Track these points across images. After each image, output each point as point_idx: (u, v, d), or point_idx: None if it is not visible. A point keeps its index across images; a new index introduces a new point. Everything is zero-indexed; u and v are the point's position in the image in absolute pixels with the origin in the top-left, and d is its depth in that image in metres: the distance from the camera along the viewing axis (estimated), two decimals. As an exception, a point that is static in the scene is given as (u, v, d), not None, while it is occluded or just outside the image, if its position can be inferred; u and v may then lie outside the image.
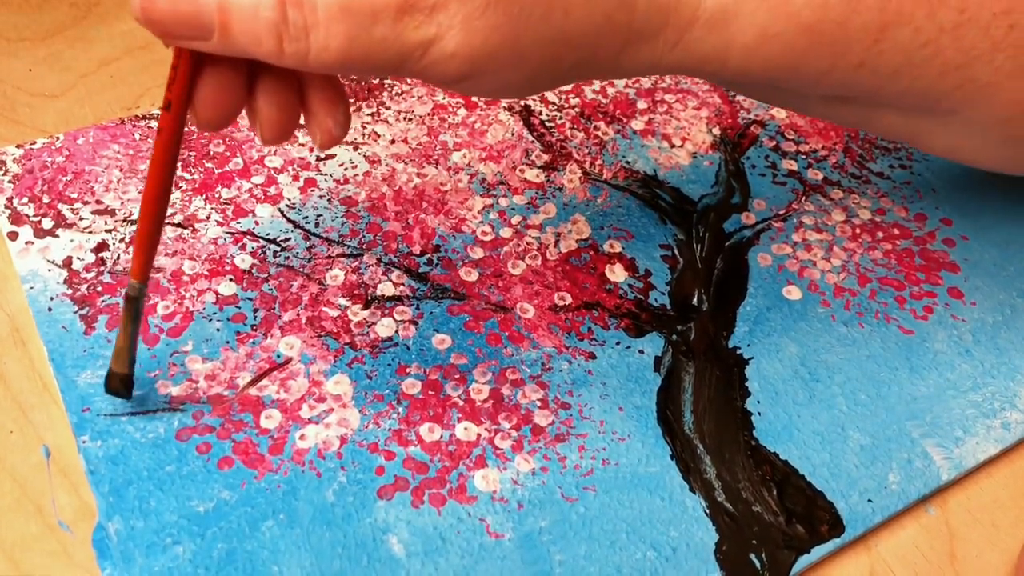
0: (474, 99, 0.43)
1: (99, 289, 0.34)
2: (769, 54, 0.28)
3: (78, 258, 0.35)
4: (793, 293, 0.37)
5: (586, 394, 0.33)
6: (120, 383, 0.30)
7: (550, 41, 0.25)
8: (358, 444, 0.30)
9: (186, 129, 0.40)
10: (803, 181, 0.42)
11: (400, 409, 0.31)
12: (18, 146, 0.38)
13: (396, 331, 0.34)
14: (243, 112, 0.27)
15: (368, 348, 0.33)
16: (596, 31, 0.26)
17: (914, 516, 0.31)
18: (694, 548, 0.29)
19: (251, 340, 0.33)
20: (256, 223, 0.37)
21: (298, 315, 0.34)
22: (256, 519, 0.28)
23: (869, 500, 0.31)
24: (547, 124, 0.43)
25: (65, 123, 0.40)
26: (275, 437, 0.30)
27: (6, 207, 0.36)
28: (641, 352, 0.34)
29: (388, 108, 0.43)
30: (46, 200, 0.36)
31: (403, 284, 0.35)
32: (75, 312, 0.33)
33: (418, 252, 0.36)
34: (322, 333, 0.33)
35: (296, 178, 0.39)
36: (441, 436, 0.31)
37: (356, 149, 0.40)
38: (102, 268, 0.34)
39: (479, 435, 0.31)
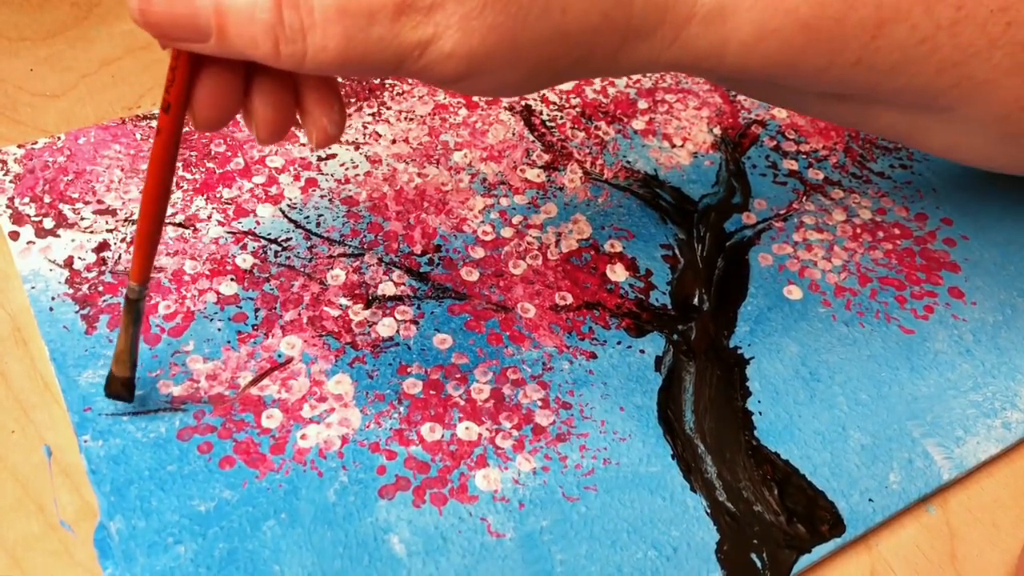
0: (475, 99, 0.43)
1: (100, 289, 0.34)
2: (766, 51, 0.28)
3: (79, 258, 0.35)
4: (794, 293, 0.37)
5: (587, 394, 0.33)
6: (122, 386, 0.30)
7: (548, 39, 0.25)
8: (359, 444, 0.30)
9: (186, 129, 0.40)
10: (804, 181, 0.42)
11: (401, 409, 0.31)
12: (19, 146, 0.38)
13: (397, 331, 0.34)
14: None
15: (369, 348, 0.33)
16: (594, 29, 0.26)
17: (915, 516, 0.31)
18: (695, 548, 0.29)
19: (252, 340, 0.33)
20: (257, 223, 0.37)
21: (299, 315, 0.34)
22: (257, 518, 0.28)
23: (870, 500, 0.31)
24: (548, 124, 0.43)
25: (66, 123, 0.40)
26: (276, 437, 0.30)
27: (8, 207, 0.36)
28: (642, 352, 0.34)
29: (389, 108, 0.43)
30: (47, 200, 0.36)
31: (404, 284, 0.35)
32: (76, 312, 0.33)
33: (419, 252, 0.36)
34: (323, 333, 0.33)
35: (297, 178, 0.39)
36: (442, 436, 0.31)
37: (357, 149, 0.40)
38: (103, 268, 0.34)
39: (480, 435, 0.31)
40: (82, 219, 0.36)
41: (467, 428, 0.31)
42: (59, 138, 0.39)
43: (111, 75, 0.43)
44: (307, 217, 0.37)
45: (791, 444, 0.32)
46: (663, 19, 0.27)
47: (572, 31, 0.26)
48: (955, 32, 0.29)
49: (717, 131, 0.44)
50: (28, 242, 0.35)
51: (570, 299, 0.36)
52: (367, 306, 0.34)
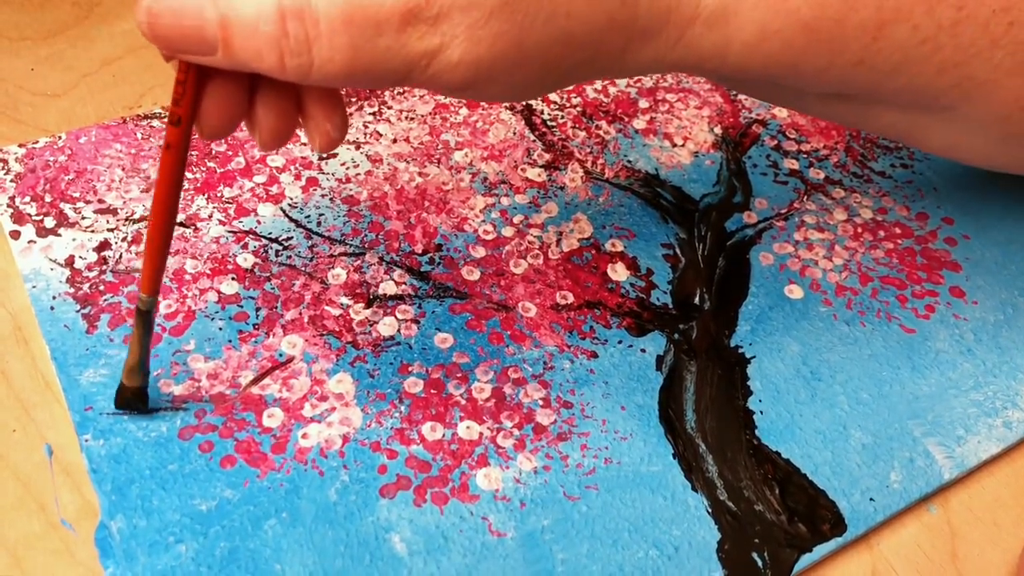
0: (476, 98, 0.43)
1: (101, 288, 0.34)
2: (769, 51, 0.28)
3: (80, 257, 0.35)
4: (795, 292, 0.37)
5: (588, 393, 0.33)
6: (136, 397, 0.30)
7: (553, 44, 0.25)
8: (360, 443, 0.30)
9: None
10: (805, 180, 0.42)
11: (402, 408, 0.31)
12: (20, 145, 0.39)
13: (398, 330, 0.34)
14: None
15: (370, 347, 0.33)
16: (598, 31, 0.26)
17: (916, 515, 0.31)
18: (696, 547, 0.29)
19: (253, 339, 0.33)
20: (258, 222, 0.37)
21: (300, 314, 0.34)
22: (259, 518, 0.28)
23: (871, 499, 0.31)
24: (549, 123, 0.43)
25: (67, 122, 0.40)
26: (277, 436, 0.30)
27: (8, 206, 0.36)
28: (643, 351, 0.34)
29: (390, 107, 0.43)
30: (48, 199, 0.36)
31: (405, 283, 0.35)
32: (77, 311, 0.33)
33: (420, 251, 0.36)
34: (324, 332, 0.33)
35: (298, 177, 0.39)
36: (443, 435, 0.31)
37: (358, 148, 0.40)
38: (104, 267, 0.34)
39: (481, 434, 0.31)
40: (83, 218, 0.36)
41: (468, 427, 0.31)
42: (60, 137, 0.39)
43: (112, 74, 0.43)
44: (308, 216, 0.37)
45: (792, 443, 0.32)
46: (667, 20, 0.27)
47: (577, 35, 0.26)
48: (956, 32, 0.29)
49: (718, 130, 0.44)
50: (29, 241, 0.35)
51: (571, 298, 0.36)
52: (368, 305, 0.34)
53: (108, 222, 0.36)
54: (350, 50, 0.23)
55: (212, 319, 0.33)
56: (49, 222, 0.36)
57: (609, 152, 0.42)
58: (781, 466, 0.31)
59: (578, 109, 0.44)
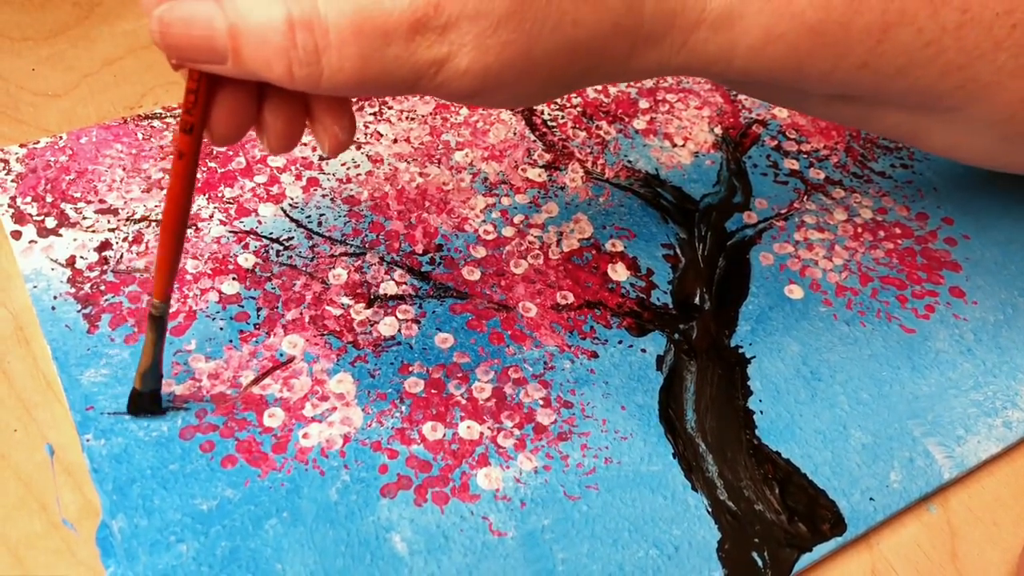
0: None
1: (102, 288, 0.34)
2: (774, 54, 0.28)
3: (81, 257, 0.35)
4: (795, 292, 0.37)
5: (588, 393, 0.33)
6: (150, 400, 0.30)
7: (560, 52, 0.26)
8: (361, 442, 0.30)
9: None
10: (805, 180, 0.42)
11: (403, 408, 0.32)
12: (21, 145, 0.39)
13: (399, 330, 0.34)
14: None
15: (371, 347, 0.33)
16: (604, 38, 0.26)
17: (916, 515, 0.31)
18: (696, 546, 0.29)
19: (254, 339, 0.33)
20: (259, 222, 0.37)
21: (301, 314, 0.34)
22: (259, 517, 0.28)
23: (871, 499, 0.31)
24: (549, 123, 0.43)
25: (68, 122, 0.41)
26: (278, 436, 0.30)
27: (10, 206, 0.36)
28: (643, 351, 0.34)
29: (391, 107, 0.43)
30: (49, 199, 0.37)
31: (406, 283, 0.35)
32: (78, 311, 0.33)
33: (420, 251, 0.37)
34: (325, 332, 0.33)
35: (299, 177, 0.39)
36: (444, 435, 0.31)
37: (359, 148, 0.40)
38: (105, 267, 0.34)
39: (482, 434, 0.31)
40: (84, 218, 0.36)
41: (469, 427, 0.31)
42: (61, 137, 0.39)
43: (113, 75, 0.43)
44: (309, 216, 0.37)
45: (792, 443, 0.32)
46: (672, 25, 0.27)
47: (583, 42, 0.26)
48: (960, 35, 0.29)
49: (718, 131, 0.44)
50: (30, 241, 0.35)
51: (571, 298, 0.36)
52: (369, 305, 0.34)
53: (109, 222, 0.36)
54: (359, 59, 0.24)
55: (213, 319, 0.33)
56: (50, 222, 0.36)
57: (609, 152, 0.42)
58: (781, 466, 0.31)
59: (578, 109, 0.44)
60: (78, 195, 0.37)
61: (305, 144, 0.40)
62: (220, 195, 0.38)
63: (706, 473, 0.31)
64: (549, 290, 0.36)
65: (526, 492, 0.30)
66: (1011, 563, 0.30)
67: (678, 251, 0.38)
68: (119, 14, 0.46)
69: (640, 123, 0.43)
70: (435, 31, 0.24)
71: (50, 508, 0.29)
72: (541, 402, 0.32)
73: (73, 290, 0.33)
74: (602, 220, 0.39)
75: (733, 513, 0.30)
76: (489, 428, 0.31)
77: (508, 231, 0.38)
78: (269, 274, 0.35)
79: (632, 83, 0.46)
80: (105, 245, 0.35)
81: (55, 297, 0.33)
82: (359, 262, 0.36)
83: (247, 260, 0.35)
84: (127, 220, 0.36)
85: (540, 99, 0.28)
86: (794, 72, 0.29)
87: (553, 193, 0.40)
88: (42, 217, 0.36)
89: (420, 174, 0.40)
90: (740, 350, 0.35)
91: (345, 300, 0.34)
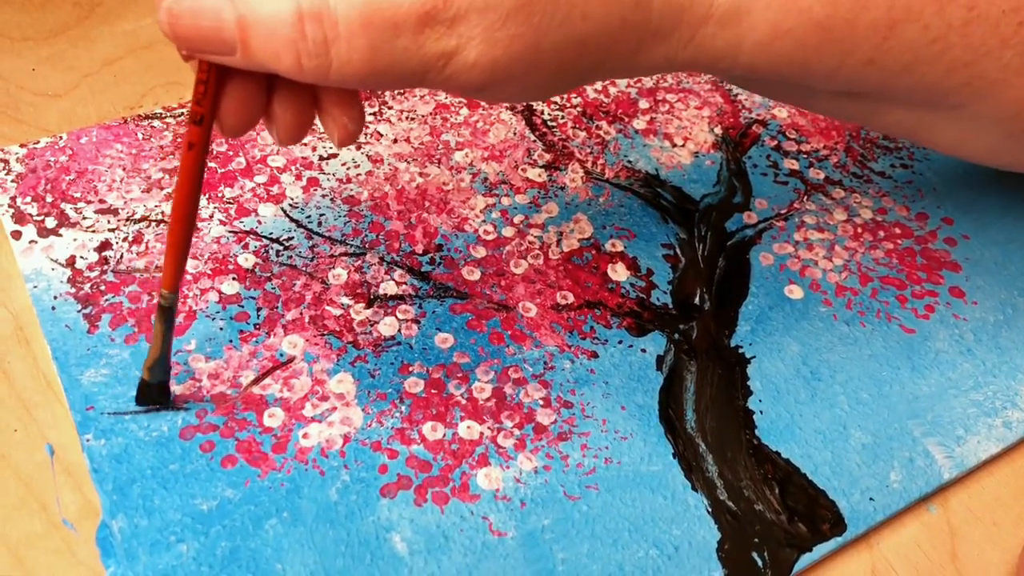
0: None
1: (102, 288, 0.34)
2: (780, 50, 0.28)
3: (81, 257, 0.35)
4: (795, 292, 0.37)
5: (588, 393, 0.33)
6: (159, 392, 0.30)
7: (568, 46, 0.26)
8: (361, 442, 0.30)
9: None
10: (805, 180, 0.42)
11: (403, 408, 0.32)
12: (22, 145, 0.39)
13: (399, 330, 0.34)
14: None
15: (371, 347, 0.33)
16: (613, 33, 0.26)
17: (916, 515, 0.31)
18: (696, 546, 0.29)
19: (254, 339, 0.33)
20: (259, 222, 0.37)
21: (301, 314, 0.34)
22: (260, 517, 0.28)
23: (871, 499, 0.31)
24: (549, 123, 0.43)
25: (68, 122, 0.41)
26: (278, 436, 0.30)
27: (10, 206, 0.36)
28: (643, 351, 0.34)
29: (391, 107, 0.43)
30: (49, 199, 0.37)
31: (406, 283, 0.35)
32: (78, 311, 0.33)
33: (420, 251, 0.37)
34: (325, 332, 0.33)
35: (299, 177, 0.39)
36: (444, 435, 0.31)
37: (358, 148, 0.40)
38: (105, 267, 0.34)
39: (482, 434, 0.31)
40: (84, 218, 0.36)
41: (469, 427, 0.31)
42: (61, 137, 0.39)
43: (113, 75, 0.43)
44: (309, 216, 0.37)
45: (792, 443, 0.32)
46: (680, 20, 0.27)
47: (592, 36, 0.26)
48: (967, 32, 0.29)
49: (718, 131, 0.44)
50: (30, 241, 0.35)
51: (571, 298, 0.36)
52: (369, 305, 0.34)
53: (109, 222, 0.36)
54: (368, 51, 0.24)
55: (213, 319, 0.33)
56: (50, 222, 0.36)
57: (609, 152, 0.42)
58: (781, 466, 0.31)
59: (578, 109, 0.44)
60: (78, 195, 0.37)
61: (305, 144, 0.40)
62: (220, 195, 0.38)
63: (706, 473, 0.31)
64: (549, 290, 0.36)
65: (526, 492, 0.30)
66: (1011, 563, 0.30)
67: (678, 251, 0.38)
68: (119, 14, 0.46)
69: (640, 123, 0.44)
70: (444, 24, 0.24)
71: (50, 508, 0.29)
72: (541, 402, 0.32)
73: (73, 290, 0.33)
74: (602, 220, 0.39)
75: (733, 513, 0.30)
76: (489, 428, 0.31)
77: (508, 231, 0.38)
78: (269, 274, 0.35)
79: (632, 83, 0.46)
80: (105, 245, 0.35)
81: (55, 297, 0.33)
82: (359, 262, 0.36)
83: (247, 260, 0.35)
84: (127, 220, 0.36)
85: (548, 93, 0.28)
86: (800, 68, 0.29)
87: (553, 193, 0.40)
88: (42, 217, 0.36)
89: (420, 174, 0.40)
90: (740, 350, 0.35)
91: (345, 300, 0.34)
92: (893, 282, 0.38)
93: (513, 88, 0.26)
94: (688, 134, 0.43)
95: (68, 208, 0.36)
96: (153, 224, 0.36)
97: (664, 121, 0.44)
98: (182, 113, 0.41)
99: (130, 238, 0.35)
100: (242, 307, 0.34)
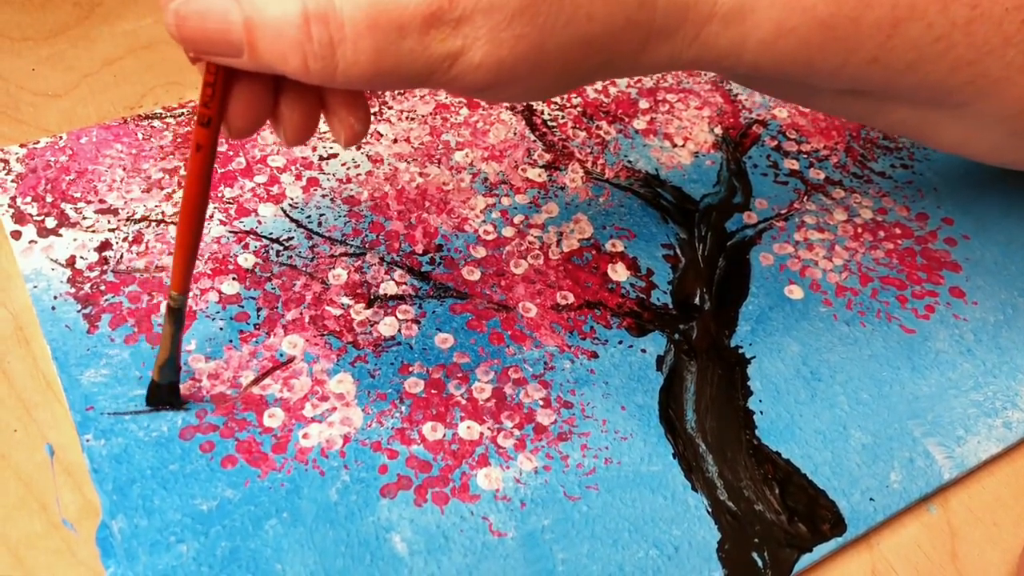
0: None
1: (102, 288, 0.34)
2: (785, 48, 0.29)
3: (81, 257, 0.35)
4: (795, 292, 0.37)
5: (588, 393, 0.33)
6: (168, 392, 0.30)
7: (573, 46, 0.26)
8: (361, 443, 0.30)
9: (185, 130, 0.40)
10: (805, 180, 0.42)
11: (403, 408, 0.32)
12: (22, 145, 0.39)
13: (399, 330, 0.34)
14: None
15: (371, 347, 0.33)
16: (618, 32, 0.26)
17: (916, 515, 0.31)
18: (696, 547, 0.29)
19: (254, 339, 0.33)
20: (259, 222, 0.37)
21: (301, 314, 0.34)
22: (259, 517, 0.28)
23: (871, 499, 0.31)
24: (549, 123, 0.43)
25: (68, 122, 0.41)
26: (278, 436, 0.30)
27: (10, 206, 0.36)
28: (643, 351, 0.34)
29: (391, 107, 0.43)
30: (49, 199, 0.37)
31: (406, 283, 0.35)
32: (78, 311, 0.33)
33: (420, 251, 0.37)
34: (325, 332, 0.33)
35: (299, 177, 0.39)
36: (444, 435, 0.31)
37: (358, 148, 0.40)
38: (105, 267, 0.34)
39: (482, 434, 0.31)
40: (84, 218, 0.36)
41: (469, 427, 0.31)
42: (61, 137, 0.39)
43: (113, 75, 0.43)
44: (309, 216, 0.37)
45: (792, 443, 0.32)
46: (684, 19, 0.27)
47: (597, 36, 0.26)
48: (970, 30, 0.29)
49: (718, 131, 0.44)
50: (30, 241, 0.35)
51: (571, 298, 0.36)
52: (369, 305, 0.34)
53: (109, 222, 0.36)
54: (374, 53, 0.24)
55: (213, 319, 0.33)
56: (50, 222, 0.36)
57: (609, 152, 0.42)
58: (781, 466, 0.31)
59: (578, 109, 0.44)
60: (78, 195, 0.37)
61: (305, 144, 0.40)
62: (220, 195, 0.38)
63: (706, 473, 0.31)
64: (549, 290, 0.36)
65: (526, 492, 0.30)
66: (1011, 563, 0.30)
67: (678, 251, 0.38)
68: (119, 14, 0.46)
69: (640, 123, 0.43)
70: (449, 24, 0.24)
71: (50, 508, 0.29)
72: (541, 402, 0.32)
73: (73, 290, 0.33)
74: (602, 220, 0.39)
75: (733, 513, 0.30)
76: (489, 428, 0.31)
77: (508, 231, 0.38)
78: (269, 274, 0.35)
79: (632, 83, 0.46)
80: (105, 245, 0.35)
81: (55, 297, 0.33)
82: (359, 262, 0.36)
83: (247, 260, 0.35)
84: (127, 220, 0.36)
85: (552, 93, 0.28)
86: (804, 66, 0.29)
87: (553, 193, 0.40)
88: (42, 217, 0.36)
89: (420, 174, 0.40)
90: (740, 350, 0.35)
91: (345, 300, 0.34)
92: (893, 282, 0.38)
93: (518, 88, 0.26)
94: (688, 134, 0.43)
95: (68, 208, 0.36)
96: (153, 224, 0.36)
97: (664, 121, 0.44)
98: (182, 113, 0.41)
99: (130, 238, 0.35)
100: (242, 307, 0.34)
